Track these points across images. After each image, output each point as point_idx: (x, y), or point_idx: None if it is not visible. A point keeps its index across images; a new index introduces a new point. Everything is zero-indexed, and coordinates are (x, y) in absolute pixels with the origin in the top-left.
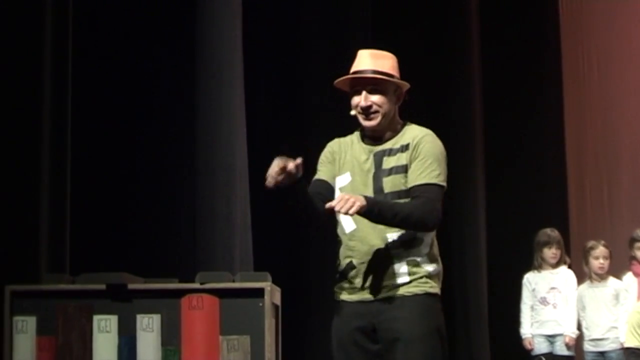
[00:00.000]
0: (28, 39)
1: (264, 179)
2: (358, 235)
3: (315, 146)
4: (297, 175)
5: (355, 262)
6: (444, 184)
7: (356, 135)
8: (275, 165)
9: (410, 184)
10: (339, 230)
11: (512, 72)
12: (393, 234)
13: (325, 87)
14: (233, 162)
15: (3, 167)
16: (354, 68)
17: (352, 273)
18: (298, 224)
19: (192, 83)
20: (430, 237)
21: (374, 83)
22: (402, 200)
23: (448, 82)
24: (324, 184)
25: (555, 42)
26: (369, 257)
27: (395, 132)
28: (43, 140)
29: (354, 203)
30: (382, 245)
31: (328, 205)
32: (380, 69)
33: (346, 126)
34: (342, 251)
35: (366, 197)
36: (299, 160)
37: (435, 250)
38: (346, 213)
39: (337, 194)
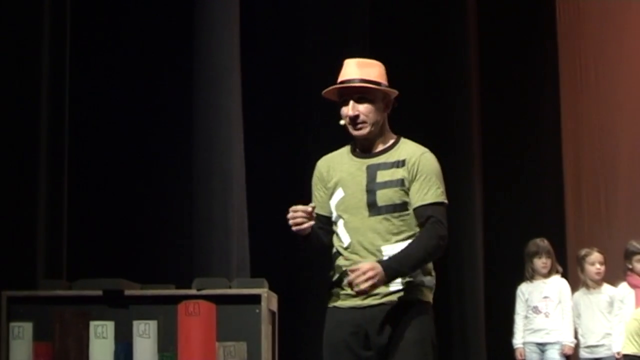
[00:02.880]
0: (25, 54)
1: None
2: (353, 249)
3: (313, 152)
4: (309, 229)
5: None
6: (446, 200)
7: (347, 149)
8: (300, 212)
9: (417, 204)
10: (335, 241)
11: (509, 79)
12: (388, 249)
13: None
14: (230, 168)
15: (0, 173)
16: (341, 77)
17: (347, 281)
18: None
19: (190, 90)
20: None
21: (361, 92)
22: (396, 214)
23: (445, 89)
24: (322, 218)
25: (552, 49)
26: None
27: (388, 144)
28: (40, 146)
29: (369, 279)
30: (377, 258)
31: (346, 283)
32: (367, 77)
33: (343, 133)
34: (338, 261)
35: (380, 263)
36: (310, 208)
37: (430, 263)
38: (364, 292)
39: (334, 213)
